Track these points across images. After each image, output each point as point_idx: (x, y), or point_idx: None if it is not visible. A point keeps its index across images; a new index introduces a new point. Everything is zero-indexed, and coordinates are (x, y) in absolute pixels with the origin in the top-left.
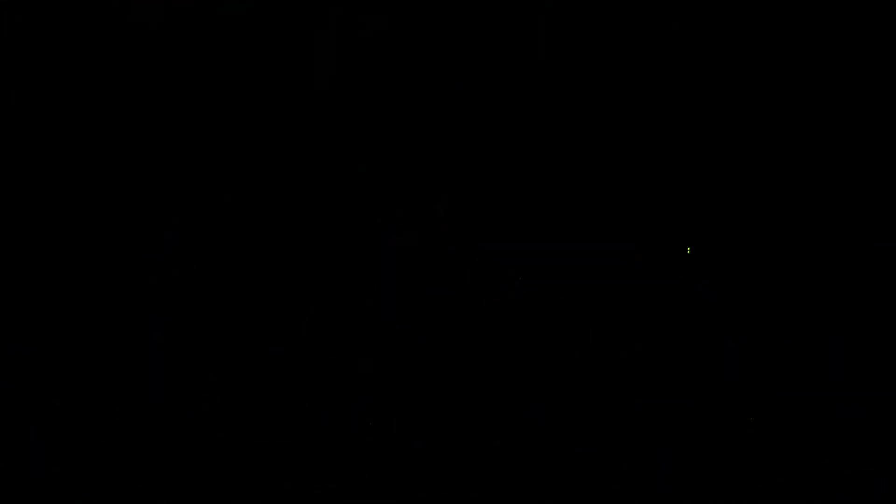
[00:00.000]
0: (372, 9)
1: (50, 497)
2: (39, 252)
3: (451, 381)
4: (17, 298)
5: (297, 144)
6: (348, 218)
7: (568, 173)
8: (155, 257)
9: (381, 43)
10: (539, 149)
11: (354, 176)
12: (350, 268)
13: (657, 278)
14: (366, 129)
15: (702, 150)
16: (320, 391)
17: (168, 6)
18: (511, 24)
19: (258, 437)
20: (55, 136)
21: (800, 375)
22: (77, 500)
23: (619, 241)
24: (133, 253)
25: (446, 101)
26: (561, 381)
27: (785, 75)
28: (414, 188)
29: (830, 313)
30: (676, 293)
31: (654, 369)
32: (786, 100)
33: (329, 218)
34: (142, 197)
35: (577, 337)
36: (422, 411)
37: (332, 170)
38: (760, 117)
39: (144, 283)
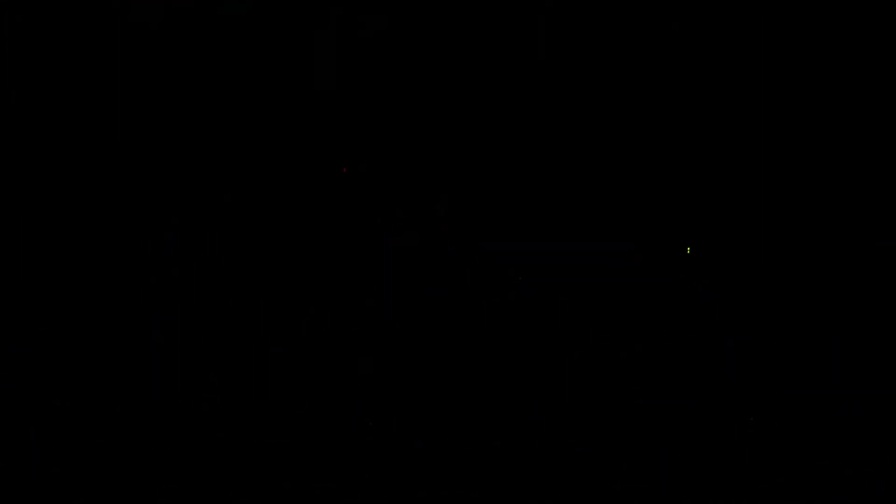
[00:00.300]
0: (372, 9)
1: (50, 497)
2: (39, 252)
3: (451, 381)
4: (17, 298)
5: (296, 144)
6: (348, 218)
7: (568, 173)
8: (155, 257)
9: (381, 43)
10: (539, 149)
11: (354, 176)
12: (350, 268)
13: (657, 278)
14: (366, 129)
15: (702, 150)
16: (320, 391)
17: (168, 6)
18: (511, 24)
19: (258, 437)
20: (55, 136)
21: (800, 375)
22: (77, 500)
23: (619, 241)
24: (133, 253)
25: (446, 101)
26: (561, 381)
27: (785, 75)
28: (414, 188)
29: (830, 313)
30: (676, 293)
31: (654, 369)
32: (786, 100)
33: (329, 218)
34: (142, 197)
35: (577, 337)
36: (422, 411)
37: (332, 170)
38: (760, 117)
39: (144, 283)
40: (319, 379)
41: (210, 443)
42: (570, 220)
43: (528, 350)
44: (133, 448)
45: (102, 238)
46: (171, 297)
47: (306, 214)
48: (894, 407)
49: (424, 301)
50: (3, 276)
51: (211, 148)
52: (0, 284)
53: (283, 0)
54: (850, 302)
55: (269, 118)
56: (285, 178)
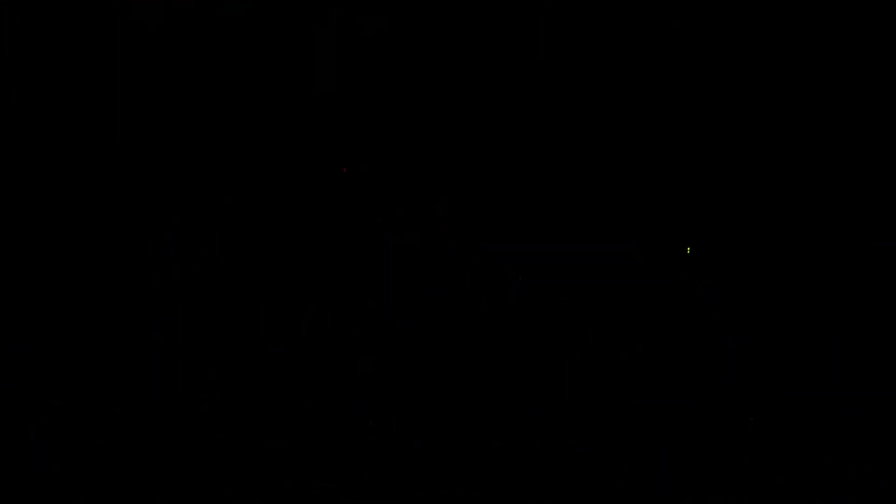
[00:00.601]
0: (372, 9)
1: (50, 497)
2: (39, 252)
3: (451, 381)
4: (17, 298)
5: (297, 144)
6: (348, 218)
7: (568, 173)
8: (155, 257)
9: (381, 43)
10: (539, 149)
11: (354, 176)
12: (350, 268)
13: (657, 278)
14: (366, 129)
15: (702, 150)
16: (320, 391)
17: (168, 6)
18: (511, 24)
19: (258, 437)
20: (55, 136)
21: (800, 375)
22: (77, 500)
23: (619, 241)
24: (133, 253)
25: (446, 101)
26: (561, 381)
27: (785, 75)
28: (414, 188)
29: (830, 313)
30: (676, 293)
31: (654, 369)
32: (786, 100)
33: (329, 218)
34: (142, 197)
35: (577, 337)
36: (422, 411)
37: (332, 170)
38: (760, 117)
39: (144, 283)
40: (319, 379)
41: (210, 443)
42: (570, 220)
43: (528, 350)
44: (133, 448)
45: (102, 238)
46: (171, 297)
47: (306, 214)
48: (894, 407)
49: (424, 301)
50: (3, 276)
51: (211, 148)
52: (0, 284)
53: (283, 0)
54: (850, 302)
55: (269, 118)
56: (285, 178)
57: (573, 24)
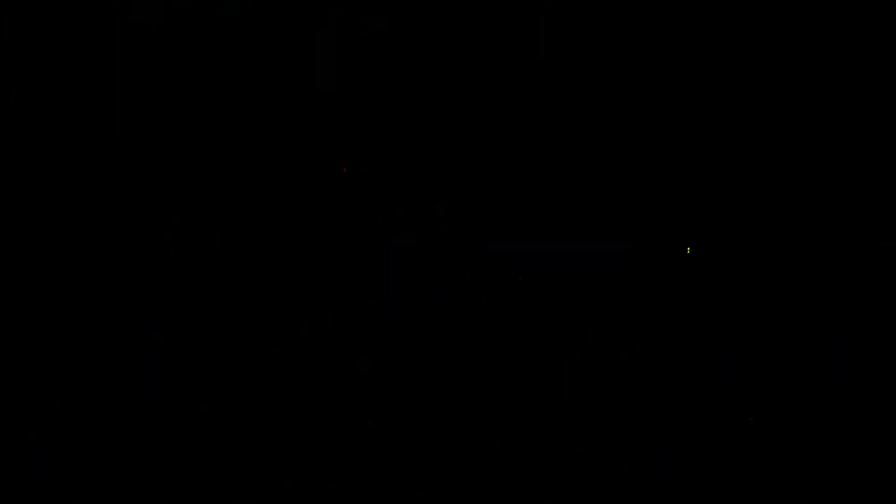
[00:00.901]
0: (372, 9)
1: (50, 497)
2: (39, 252)
3: (451, 381)
4: (17, 298)
5: (296, 144)
6: (348, 218)
7: (568, 173)
8: (155, 257)
9: (381, 43)
10: (539, 149)
11: (354, 176)
12: (350, 268)
13: (657, 278)
14: (366, 129)
15: (701, 150)
16: (320, 391)
17: (168, 6)
18: (511, 24)
19: (258, 437)
20: (55, 136)
21: (800, 375)
22: (77, 500)
23: (619, 241)
24: (133, 253)
25: (446, 101)
26: (561, 381)
27: (785, 75)
28: (414, 188)
29: (830, 313)
30: (676, 293)
31: (654, 369)
32: (786, 100)
33: (329, 218)
34: (142, 197)
35: (577, 337)
36: (422, 411)
37: (332, 170)
38: (760, 117)
39: (144, 283)
40: (319, 379)
41: (210, 443)
42: (570, 220)
43: (528, 350)
44: (133, 448)
45: (102, 238)
46: (171, 297)
47: (306, 214)
48: (894, 407)
49: (424, 301)
50: (3, 276)
51: (211, 148)
52: (0, 284)
53: (283, 0)
54: (850, 302)
55: (269, 118)
56: (285, 178)
57: (573, 24)
